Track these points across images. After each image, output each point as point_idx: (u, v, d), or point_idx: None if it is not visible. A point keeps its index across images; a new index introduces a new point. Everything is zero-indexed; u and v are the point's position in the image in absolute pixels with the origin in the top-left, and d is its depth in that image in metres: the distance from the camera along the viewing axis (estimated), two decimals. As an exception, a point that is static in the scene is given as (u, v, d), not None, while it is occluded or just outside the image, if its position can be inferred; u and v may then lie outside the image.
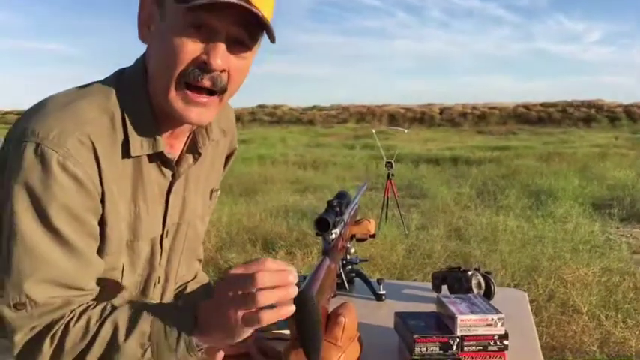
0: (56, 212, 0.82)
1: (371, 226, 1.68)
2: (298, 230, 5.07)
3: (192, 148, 1.00)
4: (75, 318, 0.84)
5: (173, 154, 0.97)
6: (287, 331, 1.28)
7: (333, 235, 1.41)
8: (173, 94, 0.87)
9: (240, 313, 0.78)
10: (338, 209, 1.47)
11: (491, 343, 1.16)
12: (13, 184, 0.81)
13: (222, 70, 0.87)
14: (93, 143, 0.85)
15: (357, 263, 1.69)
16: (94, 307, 0.86)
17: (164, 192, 0.99)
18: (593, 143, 15.99)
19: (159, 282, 1.07)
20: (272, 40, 0.88)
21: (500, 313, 1.17)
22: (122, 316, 0.83)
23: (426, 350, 1.14)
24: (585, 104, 31.43)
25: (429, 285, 1.70)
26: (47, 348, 0.82)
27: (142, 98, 0.91)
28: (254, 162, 12.64)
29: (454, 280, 1.55)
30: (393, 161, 6.03)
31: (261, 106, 38.21)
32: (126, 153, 0.89)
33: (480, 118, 30.66)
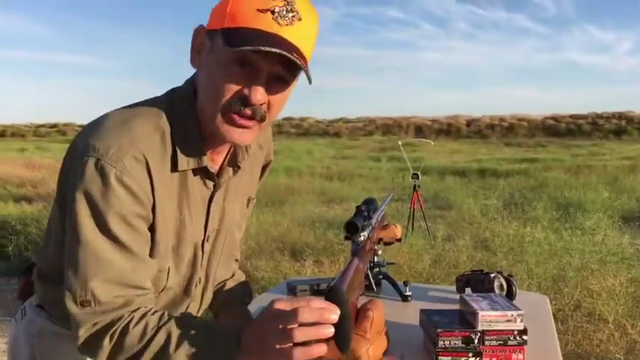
0: (113, 219, 0.92)
1: (397, 231, 1.76)
2: (325, 240, 5.15)
3: (233, 162, 1.11)
4: (135, 320, 0.93)
5: (215, 167, 1.07)
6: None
7: (362, 238, 1.49)
8: (219, 119, 0.96)
9: (277, 347, 0.84)
10: (366, 214, 1.55)
11: (511, 338, 1.23)
12: (75, 194, 0.92)
13: (262, 103, 0.96)
14: (146, 159, 0.95)
15: (384, 266, 1.77)
16: (152, 314, 0.95)
17: (206, 201, 1.09)
18: (624, 155, 15.75)
19: (200, 282, 1.18)
20: (309, 81, 0.96)
21: (520, 310, 1.24)
22: (175, 328, 0.92)
23: (449, 344, 1.22)
24: (616, 116, 30.94)
25: (453, 288, 1.77)
26: (107, 344, 0.92)
27: (190, 117, 1.01)
28: (281, 173, 12.77)
29: (477, 282, 1.62)
30: (419, 172, 6.08)
31: (287, 119, 38.47)
32: (173, 167, 1.00)
33: (507, 129, 30.40)
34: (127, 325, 0.93)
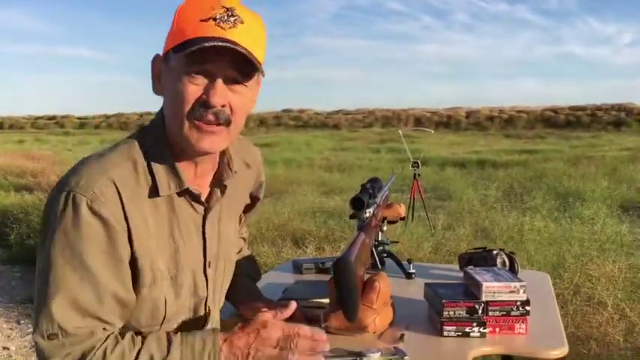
0: (84, 248, 0.93)
1: (401, 210, 1.79)
2: (326, 228, 5.18)
3: (219, 182, 1.13)
4: (110, 348, 0.93)
5: (201, 190, 1.09)
6: (326, 300, 1.39)
7: (367, 214, 1.52)
8: (186, 129, 0.99)
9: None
10: (371, 191, 1.58)
11: (514, 309, 1.26)
12: (49, 228, 0.95)
13: (223, 106, 0.99)
14: (116, 185, 0.96)
15: (388, 245, 1.79)
16: (122, 338, 0.96)
17: (199, 226, 1.10)
18: (623, 147, 15.75)
19: (206, 303, 1.16)
20: (263, 75, 1.03)
21: (523, 281, 1.27)
22: (154, 346, 0.94)
23: (454, 314, 1.25)
24: (615, 107, 30.92)
25: (456, 267, 1.80)
26: None
27: (163, 144, 1.03)
28: (279, 165, 12.77)
29: (479, 259, 1.65)
30: (419, 161, 6.10)
31: (286, 111, 38.41)
32: (156, 193, 1.02)
33: (507, 121, 30.38)
34: (104, 353, 0.93)
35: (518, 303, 1.26)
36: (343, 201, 7.73)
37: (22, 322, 3.82)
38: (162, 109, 1.06)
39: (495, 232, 5.42)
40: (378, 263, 1.74)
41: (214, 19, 0.95)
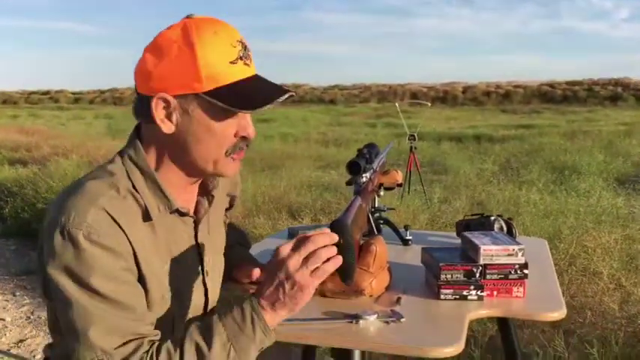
0: (95, 280, 0.92)
1: (398, 176, 1.76)
2: (323, 200, 5.17)
3: (205, 192, 1.14)
4: (154, 354, 0.92)
5: (188, 206, 1.09)
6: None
7: (364, 179, 1.50)
8: (222, 164, 1.03)
9: (310, 273, 0.92)
10: (368, 156, 1.56)
11: (512, 272, 1.24)
12: (53, 270, 0.92)
13: None
14: (108, 212, 0.94)
15: (384, 211, 1.78)
16: (165, 341, 0.95)
17: (192, 239, 1.11)
18: (620, 121, 15.74)
19: (206, 311, 1.17)
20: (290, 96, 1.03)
21: (521, 244, 1.26)
22: (195, 334, 0.93)
23: (451, 277, 1.23)
24: (612, 82, 30.82)
25: (454, 233, 1.78)
26: None
27: (145, 169, 1.02)
28: (276, 139, 12.72)
29: (477, 225, 1.64)
30: (415, 134, 6.07)
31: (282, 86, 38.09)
32: (147, 217, 1.01)
33: (503, 96, 30.27)
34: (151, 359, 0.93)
35: (517, 266, 1.24)
36: (339, 175, 7.71)
37: (17, 293, 3.82)
38: (137, 128, 1.05)
39: (491, 204, 5.41)
40: (375, 229, 1.72)
41: (240, 59, 0.98)
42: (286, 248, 0.93)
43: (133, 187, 1.01)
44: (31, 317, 3.42)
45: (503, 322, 1.72)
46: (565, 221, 4.48)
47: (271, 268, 0.94)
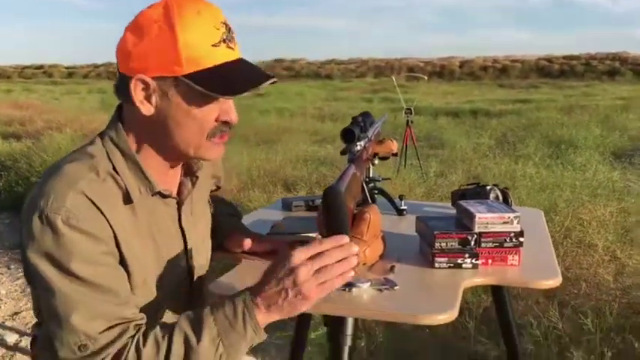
0: (75, 265, 0.89)
1: (393, 145, 1.74)
2: (318, 173, 5.15)
3: (189, 173, 1.12)
4: (141, 340, 0.90)
5: (169, 189, 1.06)
6: (314, 234, 1.36)
7: (358, 147, 1.48)
8: (204, 148, 1.01)
9: (317, 285, 0.88)
10: (362, 124, 1.53)
11: (507, 240, 1.23)
12: (31, 255, 0.90)
13: None
14: (87, 196, 0.92)
15: (379, 181, 1.76)
16: (153, 328, 0.93)
17: (176, 222, 1.09)
18: (617, 96, 15.68)
19: (192, 292, 1.15)
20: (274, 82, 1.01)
21: (517, 212, 1.24)
22: (185, 325, 0.90)
23: (446, 245, 1.22)
24: (610, 57, 30.66)
25: (449, 204, 1.77)
26: None
27: (126, 151, 1.00)
28: (272, 114, 12.65)
29: (473, 194, 1.62)
30: (412, 108, 6.03)
31: (278, 61, 37.87)
32: (128, 199, 0.98)
33: (501, 71, 30.12)
34: (136, 347, 0.90)
35: (512, 234, 1.23)
36: (335, 149, 7.67)
37: (11, 266, 3.81)
38: (120, 107, 1.03)
39: (487, 178, 5.40)
40: (369, 199, 1.70)
41: (223, 41, 0.95)
42: (302, 255, 0.88)
43: (114, 169, 0.99)
44: (26, 290, 3.41)
45: (497, 293, 1.71)
46: (561, 194, 4.48)
47: (277, 269, 0.89)
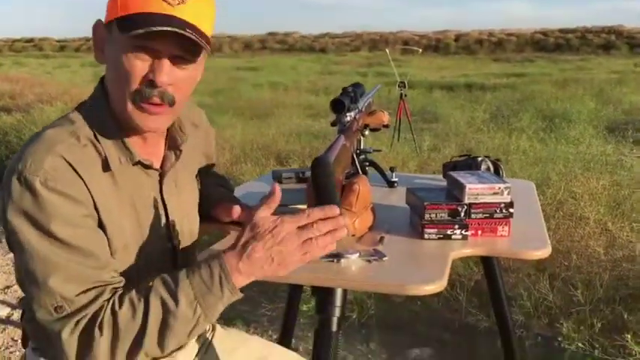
0: (55, 227, 0.89)
1: (384, 117, 1.72)
2: (311, 147, 5.13)
3: (173, 146, 1.10)
4: (116, 303, 0.89)
5: (153, 159, 1.05)
6: (304, 206, 1.35)
7: (348, 118, 1.46)
8: (130, 109, 0.96)
9: (299, 256, 0.88)
10: (353, 95, 1.51)
11: (497, 211, 1.22)
12: (11, 216, 0.89)
13: (169, 84, 0.96)
14: (66, 159, 0.92)
15: (370, 152, 1.74)
16: (129, 291, 0.91)
17: (158, 193, 1.07)
18: (612, 69, 15.65)
19: (176, 265, 1.13)
20: (209, 53, 0.98)
21: (507, 182, 1.23)
22: (162, 289, 0.89)
23: (435, 217, 1.21)
24: (605, 30, 30.50)
25: (440, 176, 1.76)
26: (98, 336, 0.87)
27: (107, 118, 1.00)
28: (265, 88, 12.56)
29: (464, 166, 1.61)
30: (406, 81, 5.97)
31: (271, 34, 37.49)
32: (108, 167, 0.98)
33: (496, 45, 29.96)
34: (112, 309, 0.89)
35: (502, 205, 1.22)
36: (329, 123, 7.63)
37: (3, 240, 3.80)
38: (102, 79, 1.03)
39: (481, 151, 5.40)
40: (360, 171, 1.68)
41: None
42: (290, 226, 0.88)
43: (95, 136, 0.98)
44: (18, 264, 3.41)
45: (488, 265, 1.72)
46: (554, 168, 4.48)
47: (258, 233, 0.88)
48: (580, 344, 2.19)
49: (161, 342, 0.89)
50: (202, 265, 0.90)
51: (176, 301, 0.88)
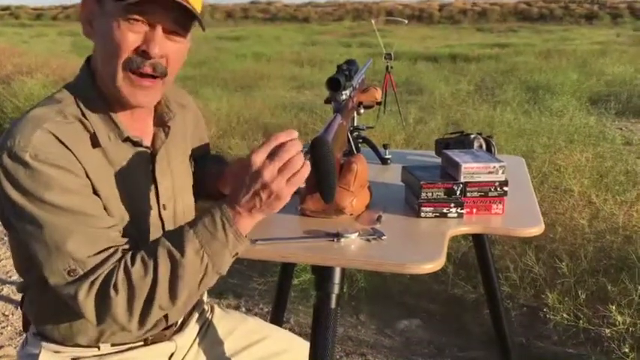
0: (53, 196, 0.89)
1: (377, 94, 1.72)
2: (298, 120, 5.12)
3: (161, 123, 1.10)
4: (129, 261, 0.91)
5: (142, 136, 1.05)
6: (302, 185, 1.36)
7: (344, 96, 1.46)
8: (120, 80, 0.96)
9: (285, 182, 0.89)
10: (347, 73, 1.51)
11: (492, 190, 1.24)
12: (8, 191, 0.90)
13: (162, 56, 0.97)
14: (54, 134, 0.92)
15: (363, 130, 1.75)
16: (139, 250, 0.93)
17: (148, 170, 1.07)
18: (594, 40, 15.71)
19: None
20: (203, 29, 1.00)
21: (502, 162, 1.25)
22: (167, 243, 0.91)
23: (431, 195, 1.23)
24: (588, 0, 30.53)
25: (433, 152, 1.77)
26: (114, 295, 0.89)
27: (95, 95, 1.00)
28: (249, 59, 12.43)
29: (457, 143, 1.62)
30: (392, 53, 5.95)
31: (254, 3, 36.92)
32: (97, 144, 0.98)
33: (480, 14, 29.85)
34: (125, 268, 0.90)
35: (497, 184, 1.24)
36: (314, 95, 7.61)
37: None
38: (89, 58, 1.03)
39: (467, 124, 5.43)
40: (354, 149, 1.70)
41: None
42: (260, 156, 0.88)
43: (82, 114, 0.99)
44: (5, 239, 3.38)
45: (478, 239, 1.75)
46: (538, 140, 4.53)
47: (245, 176, 0.90)
48: (565, 315, 2.25)
49: (173, 294, 0.91)
50: (204, 214, 0.92)
51: (182, 251, 0.90)
